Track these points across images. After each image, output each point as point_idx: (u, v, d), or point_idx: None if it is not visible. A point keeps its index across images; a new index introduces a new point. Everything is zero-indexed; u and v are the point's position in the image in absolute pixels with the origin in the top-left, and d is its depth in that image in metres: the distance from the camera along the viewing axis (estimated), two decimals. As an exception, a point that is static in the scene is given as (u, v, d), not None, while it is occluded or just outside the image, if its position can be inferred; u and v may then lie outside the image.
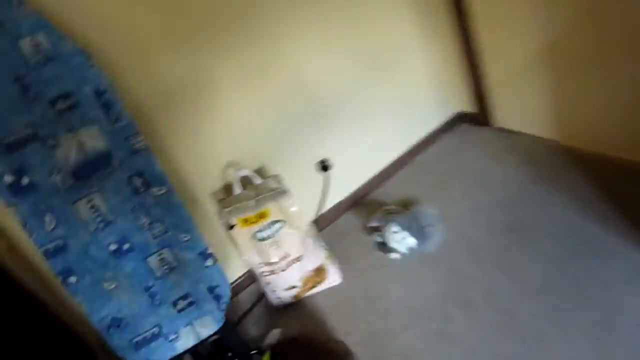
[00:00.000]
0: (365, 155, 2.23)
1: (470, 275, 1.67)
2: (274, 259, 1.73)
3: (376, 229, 1.93)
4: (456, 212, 1.95)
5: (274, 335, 1.73)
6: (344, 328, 1.69)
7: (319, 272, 1.81)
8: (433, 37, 2.21)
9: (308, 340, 1.56)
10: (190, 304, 1.54)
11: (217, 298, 1.58)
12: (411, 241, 1.79)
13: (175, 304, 1.53)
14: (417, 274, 1.77)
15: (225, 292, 1.58)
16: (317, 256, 1.80)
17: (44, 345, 1.56)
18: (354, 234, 2.09)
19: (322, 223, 2.15)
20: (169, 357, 1.54)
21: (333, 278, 1.86)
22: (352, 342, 1.63)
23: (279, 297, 1.85)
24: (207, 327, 1.57)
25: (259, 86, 1.82)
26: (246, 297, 2.00)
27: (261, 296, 1.92)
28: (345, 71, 2.03)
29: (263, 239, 1.69)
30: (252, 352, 1.65)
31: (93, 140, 1.36)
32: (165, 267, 1.49)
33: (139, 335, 1.50)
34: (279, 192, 1.71)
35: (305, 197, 2.07)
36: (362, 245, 2.01)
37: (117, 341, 1.48)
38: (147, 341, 1.51)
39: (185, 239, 1.50)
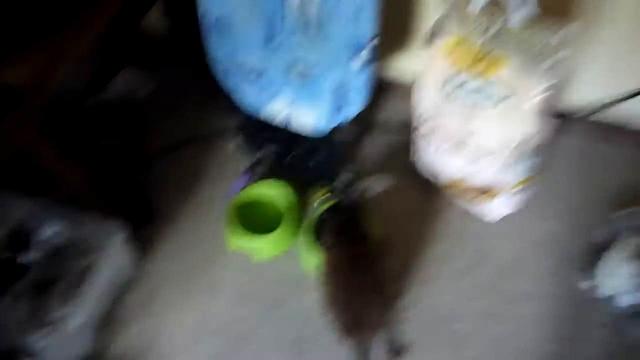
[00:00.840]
0: None
1: None
2: (449, 130, 1.04)
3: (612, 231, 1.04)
4: None
5: (372, 186, 1.23)
6: (446, 284, 1.12)
7: (491, 191, 1.11)
8: None
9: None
10: (307, 80, 1.06)
11: (339, 105, 1.08)
12: (630, 299, 0.95)
13: (291, 64, 1.05)
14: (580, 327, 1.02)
15: (352, 110, 1.08)
16: (513, 171, 1.06)
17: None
18: (594, 183, 1.20)
19: (576, 125, 1.26)
20: (269, 109, 1.17)
21: (498, 210, 1.15)
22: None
23: (414, 162, 1.25)
24: (306, 122, 1.14)
25: None
26: (382, 119, 1.36)
27: (402, 134, 1.28)
28: None
29: (459, 94, 0.97)
30: (343, 179, 1.21)
31: None
32: (305, 17, 0.96)
33: (238, 60, 1.11)
34: (547, 57, 0.87)
35: (588, 79, 1.16)
36: (586, 208, 1.17)
37: (216, 48, 1.12)
38: (244, 73, 1.13)
39: (351, 6, 0.89)
